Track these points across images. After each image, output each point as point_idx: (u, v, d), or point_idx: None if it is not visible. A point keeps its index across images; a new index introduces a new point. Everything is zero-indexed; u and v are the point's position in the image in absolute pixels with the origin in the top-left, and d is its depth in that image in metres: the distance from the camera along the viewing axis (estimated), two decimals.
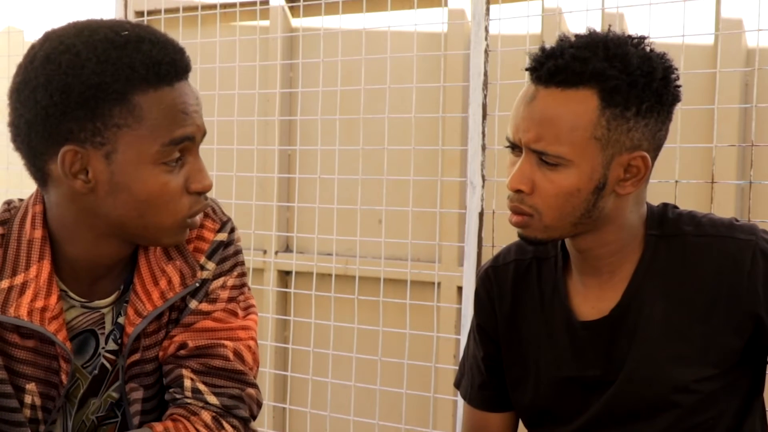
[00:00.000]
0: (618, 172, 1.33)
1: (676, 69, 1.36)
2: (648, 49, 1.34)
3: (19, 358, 1.26)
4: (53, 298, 1.25)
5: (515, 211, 1.37)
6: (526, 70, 1.36)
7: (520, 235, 1.40)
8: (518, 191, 1.35)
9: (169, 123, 1.19)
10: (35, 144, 1.20)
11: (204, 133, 1.25)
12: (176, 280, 1.32)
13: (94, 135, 1.17)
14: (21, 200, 1.33)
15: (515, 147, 1.37)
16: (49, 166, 1.21)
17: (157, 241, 1.27)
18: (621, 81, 1.29)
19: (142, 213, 1.21)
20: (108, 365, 1.34)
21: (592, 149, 1.31)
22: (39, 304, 1.24)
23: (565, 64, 1.31)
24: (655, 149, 1.36)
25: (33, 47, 1.21)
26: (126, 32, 1.19)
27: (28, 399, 1.27)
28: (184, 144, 1.21)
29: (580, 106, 1.31)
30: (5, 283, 1.24)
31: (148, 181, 1.19)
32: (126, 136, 1.17)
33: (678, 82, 1.35)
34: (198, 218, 1.27)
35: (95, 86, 1.15)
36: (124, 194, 1.20)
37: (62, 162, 1.18)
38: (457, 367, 1.69)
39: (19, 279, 1.25)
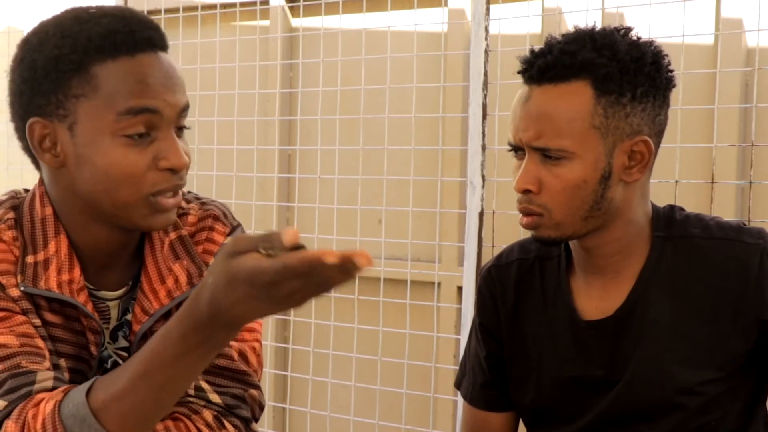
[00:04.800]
0: (622, 160, 1.34)
1: (666, 55, 1.37)
2: (635, 37, 1.36)
3: (55, 336, 1.25)
4: (76, 271, 1.26)
5: (525, 212, 1.37)
6: (518, 73, 1.37)
7: (534, 237, 1.40)
8: (526, 192, 1.35)
9: (125, 92, 1.18)
10: (17, 123, 1.24)
11: (180, 111, 1.22)
12: (183, 279, 1.32)
13: (57, 107, 1.19)
14: (27, 190, 1.35)
15: (518, 149, 1.38)
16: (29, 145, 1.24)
17: (130, 221, 1.24)
18: (611, 68, 1.31)
19: (107, 188, 1.20)
20: (120, 362, 1.34)
21: (593, 138, 1.32)
22: (65, 277, 1.25)
23: (555, 59, 1.32)
24: (657, 134, 1.37)
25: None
26: (94, 10, 1.21)
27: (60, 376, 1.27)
28: (146, 116, 1.18)
29: (575, 98, 1.32)
30: (30, 259, 1.25)
31: (108, 153, 1.18)
32: (84, 106, 1.18)
33: (670, 67, 1.37)
34: (172, 202, 1.23)
35: (55, 58, 1.18)
36: (88, 167, 1.20)
37: (30, 135, 1.20)
38: (457, 367, 1.69)
39: (40, 257, 1.25)
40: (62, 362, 1.26)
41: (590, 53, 1.31)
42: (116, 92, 1.17)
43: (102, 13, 1.21)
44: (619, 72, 1.31)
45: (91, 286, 1.31)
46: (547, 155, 1.33)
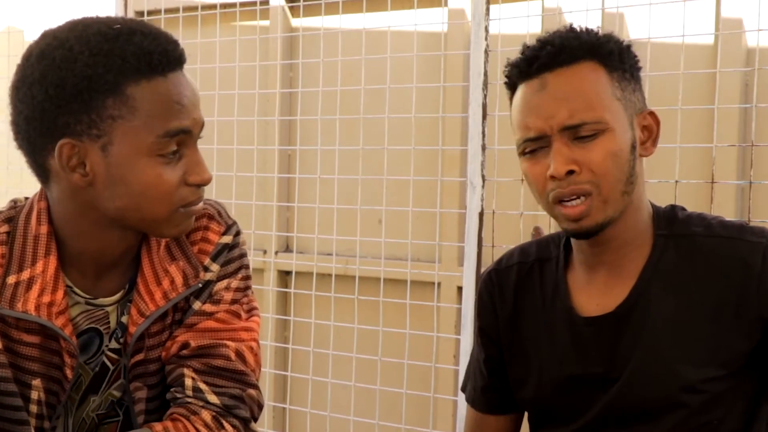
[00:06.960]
0: (639, 133, 1.38)
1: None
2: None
3: (25, 354, 1.26)
4: (60, 293, 1.26)
5: (572, 193, 1.32)
6: (519, 72, 1.37)
7: (575, 231, 1.36)
8: (570, 172, 1.31)
9: (164, 114, 1.19)
10: (34, 140, 1.21)
11: (202, 126, 1.25)
12: (179, 280, 1.32)
13: (90, 127, 1.17)
14: (26, 198, 1.33)
15: (537, 142, 1.35)
16: (48, 162, 1.21)
17: (158, 232, 1.27)
18: (612, 46, 1.36)
19: (139, 205, 1.21)
20: (109, 364, 1.34)
21: (618, 110, 1.35)
22: (46, 299, 1.24)
23: (562, 43, 1.35)
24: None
25: (30, 46, 1.22)
26: (118, 26, 1.19)
27: (34, 395, 1.27)
28: (180, 137, 1.21)
29: (592, 74, 1.35)
30: (12, 279, 1.24)
31: (145, 172, 1.19)
32: (121, 128, 1.18)
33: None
34: (197, 208, 1.27)
35: (88, 78, 1.16)
36: (121, 187, 1.20)
37: (59, 156, 1.18)
38: (457, 368, 1.69)
39: (25, 274, 1.25)
40: (38, 382, 1.26)
41: (589, 36, 1.36)
42: (155, 114, 1.18)
43: (129, 29, 1.19)
44: (618, 51, 1.36)
45: (87, 296, 1.30)
46: (580, 132, 1.32)
